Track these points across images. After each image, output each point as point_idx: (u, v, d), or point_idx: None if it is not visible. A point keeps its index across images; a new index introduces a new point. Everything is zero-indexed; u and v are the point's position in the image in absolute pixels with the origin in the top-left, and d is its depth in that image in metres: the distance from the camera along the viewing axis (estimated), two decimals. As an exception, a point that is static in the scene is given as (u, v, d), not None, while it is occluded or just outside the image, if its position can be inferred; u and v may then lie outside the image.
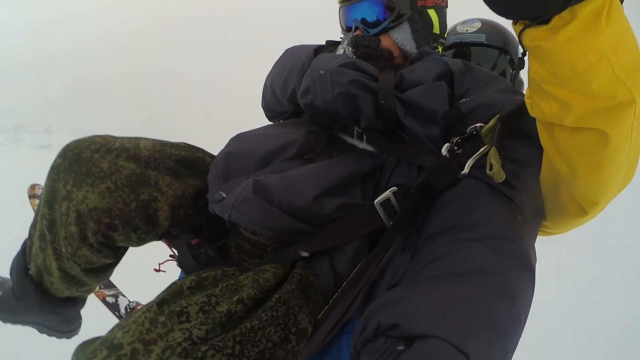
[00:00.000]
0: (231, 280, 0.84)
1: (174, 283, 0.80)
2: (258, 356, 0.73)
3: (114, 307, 1.88)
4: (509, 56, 1.60)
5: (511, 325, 0.74)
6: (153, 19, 5.69)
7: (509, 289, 0.76)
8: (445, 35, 1.37)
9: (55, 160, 1.01)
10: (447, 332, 0.68)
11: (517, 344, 0.76)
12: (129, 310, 1.88)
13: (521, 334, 0.77)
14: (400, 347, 0.70)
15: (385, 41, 1.21)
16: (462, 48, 1.58)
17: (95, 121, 4.01)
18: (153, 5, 5.89)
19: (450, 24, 1.39)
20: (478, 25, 1.60)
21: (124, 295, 1.95)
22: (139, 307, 1.90)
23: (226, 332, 0.73)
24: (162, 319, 0.72)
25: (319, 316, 0.88)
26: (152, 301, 0.76)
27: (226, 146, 1.12)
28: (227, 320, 0.74)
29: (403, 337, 0.70)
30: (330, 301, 0.90)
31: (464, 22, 1.64)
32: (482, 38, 1.56)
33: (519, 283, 0.78)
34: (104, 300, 1.87)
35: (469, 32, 1.58)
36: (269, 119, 1.56)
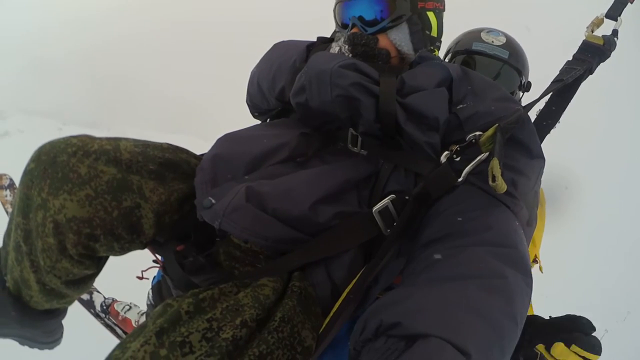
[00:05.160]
0: (230, 299, 0.80)
1: (169, 305, 0.76)
2: None
3: (89, 304, 1.81)
4: (522, 79, 1.67)
5: (509, 326, 0.74)
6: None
7: (507, 292, 0.76)
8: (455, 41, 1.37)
9: (28, 165, 0.92)
10: (448, 332, 0.67)
11: (514, 346, 0.77)
12: (104, 307, 1.82)
13: (518, 336, 0.77)
14: (401, 347, 0.69)
15: (383, 41, 1.16)
16: (483, 57, 1.63)
17: (48, 101, 3.76)
18: (149, 14, 5.47)
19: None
20: (503, 39, 1.63)
21: (98, 292, 1.88)
22: (115, 305, 1.85)
23: None
24: (163, 352, 0.67)
25: (321, 330, 0.86)
26: (149, 329, 0.71)
27: (213, 147, 1.06)
28: (234, 348, 0.71)
29: (404, 337, 0.70)
30: (332, 314, 0.88)
31: (488, 31, 1.66)
32: (505, 55, 1.60)
33: (516, 287, 0.78)
34: (78, 298, 1.79)
35: (494, 44, 1.61)
36: (254, 116, 1.49)
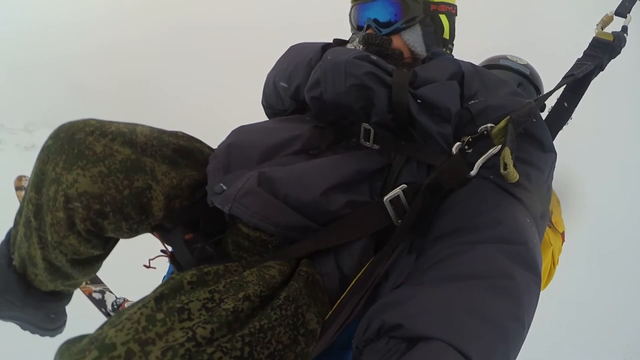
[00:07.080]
0: (235, 276, 0.79)
1: (172, 277, 0.75)
2: (268, 359, 0.69)
3: (100, 304, 1.81)
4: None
5: (514, 329, 0.71)
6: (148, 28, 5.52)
7: (514, 293, 0.74)
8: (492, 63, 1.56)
9: (46, 142, 0.95)
10: (450, 335, 0.65)
11: (519, 349, 0.73)
12: (115, 307, 1.81)
13: (524, 338, 0.74)
14: (403, 348, 0.67)
15: (396, 42, 1.20)
16: (507, 71, 1.84)
17: (74, 116, 3.92)
18: (151, 17, 5.73)
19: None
20: (526, 62, 1.89)
21: (111, 292, 1.88)
22: (126, 304, 1.84)
23: (233, 332, 0.68)
24: (160, 316, 0.66)
25: (327, 317, 0.84)
26: (149, 296, 0.70)
27: (228, 138, 1.07)
28: (234, 319, 0.69)
29: (406, 338, 0.68)
30: (339, 301, 0.85)
31: (513, 56, 1.93)
32: (527, 72, 1.83)
33: (524, 287, 0.75)
34: (90, 296, 1.80)
35: (518, 62, 1.84)
36: (269, 117, 1.51)
